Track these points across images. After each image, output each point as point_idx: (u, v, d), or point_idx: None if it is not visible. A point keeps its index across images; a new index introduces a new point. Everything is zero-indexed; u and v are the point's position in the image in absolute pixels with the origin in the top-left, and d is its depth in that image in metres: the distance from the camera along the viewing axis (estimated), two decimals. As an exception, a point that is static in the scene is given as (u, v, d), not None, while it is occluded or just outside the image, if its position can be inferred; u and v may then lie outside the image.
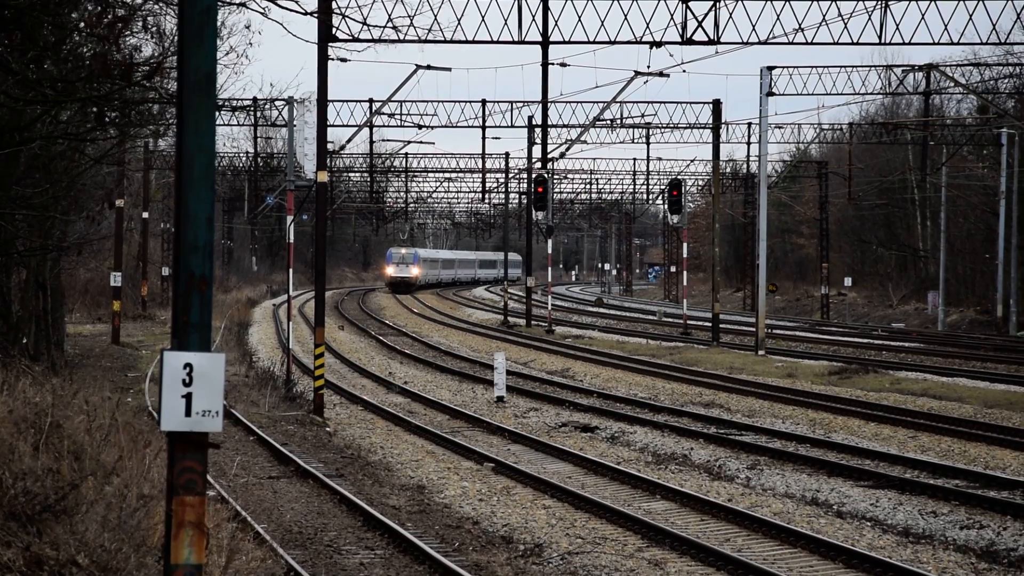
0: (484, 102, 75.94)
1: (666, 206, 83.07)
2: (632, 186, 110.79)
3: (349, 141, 68.24)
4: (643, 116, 78.50)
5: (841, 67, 63.46)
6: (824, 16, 45.60)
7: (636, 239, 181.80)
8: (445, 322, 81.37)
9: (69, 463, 15.04)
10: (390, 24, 40.94)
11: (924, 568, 18.34)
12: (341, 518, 22.07)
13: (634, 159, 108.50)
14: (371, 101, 73.93)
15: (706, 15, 45.40)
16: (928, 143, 78.55)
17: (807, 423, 33.92)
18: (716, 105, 65.48)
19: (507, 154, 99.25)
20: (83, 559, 11.74)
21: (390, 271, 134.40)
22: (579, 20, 47.43)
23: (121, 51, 24.40)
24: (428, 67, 50.12)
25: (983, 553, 19.70)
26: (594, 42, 47.11)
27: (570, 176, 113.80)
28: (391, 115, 74.35)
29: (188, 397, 9.01)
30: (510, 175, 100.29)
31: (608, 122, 77.91)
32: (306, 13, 23.69)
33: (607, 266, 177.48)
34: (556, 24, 47.32)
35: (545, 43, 48.32)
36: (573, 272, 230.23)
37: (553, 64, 54.99)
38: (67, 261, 50.31)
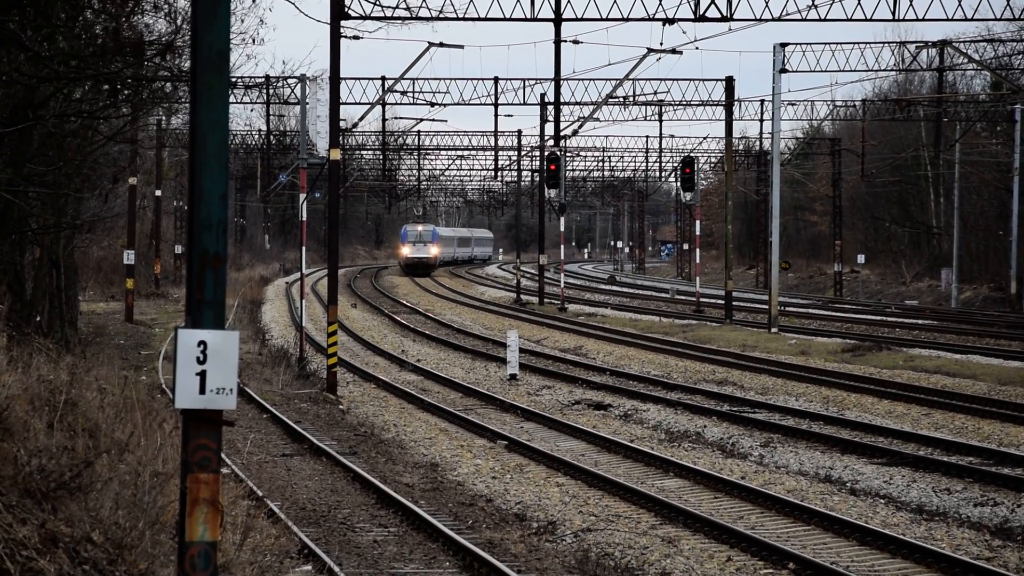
0: (496, 80, 75.83)
1: (679, 184, 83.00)
2: (645, 164, 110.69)
3: (362, 119, 68.32)
4: (656, 93, 78.34)
5: (854, 44, 63.26)
6: (838, -8, 45.44)
7: (649, 217, 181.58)
8: (458, 300, 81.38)
9: (84, 441, 15.06)
10: (402, 2, 40.86)
11: (938, 545, 18.32)
12: (355, 496, 22.10)
13: (647, 136, 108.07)
14: (383, 79, 73.88)
15: (719, -8, 45.25)
16: (941, 120, 78.30)
17: (820, 400, 33.90)
18: (729, 82, 65.34)
19: (519, 132, 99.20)
20: (98, 536, 11.76)
21: (405, 251, 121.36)
22: (592, -3, 47.30)
23: (133, 28, 24.40)
24: (440, 44, 50.06)
25: (997, 530, 19.68)
26: (607, 19, 47.01)
27: (583, 154, 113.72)
28: (403, 93, 74.30)
29: (202, 375, 9.01)
30: (522, 153, 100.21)
31: (621, 99, 77.77)
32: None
33: (619, 244, 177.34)
34: (568, 1, 47.15)
35: (558, 20, 48.20)
36: (586, 250, 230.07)
37: (566, 41, 54.93)
38: (80, 239, 50.35)
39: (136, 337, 51.53)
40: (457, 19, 44.73)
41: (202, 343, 9.00)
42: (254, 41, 42.05)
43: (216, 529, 9.05)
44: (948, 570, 16.98)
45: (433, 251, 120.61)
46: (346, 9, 36.50)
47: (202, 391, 9.02)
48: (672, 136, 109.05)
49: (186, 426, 9.08)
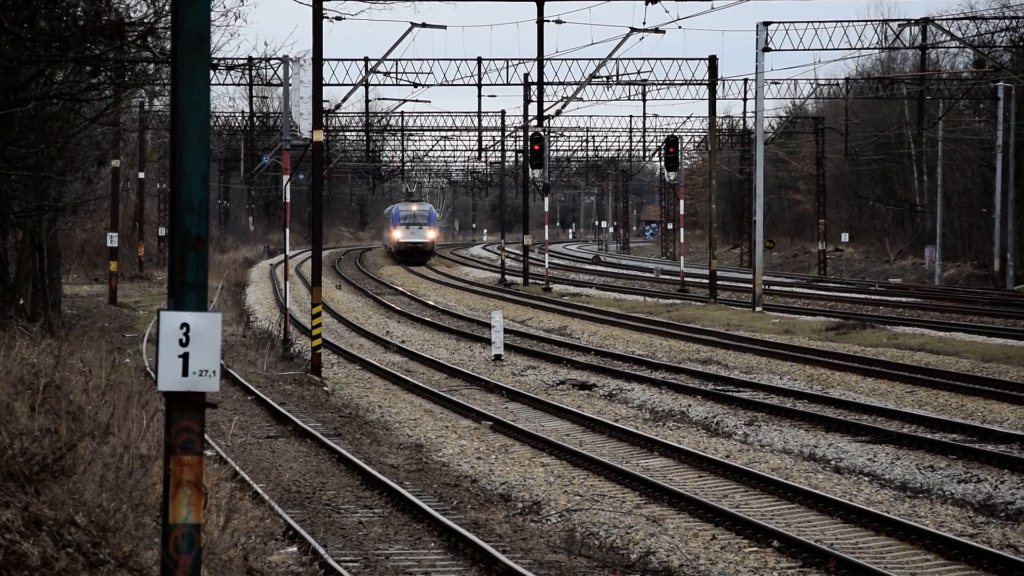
0: (480, 60, 75.72)
1: (663, 163, 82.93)
2: (629, 143, 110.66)
3: (345, 100, 68.24)
4: (639, 73, 78.29)
5: (837, 22, 63.26)
6: (820, -29, 45.43)
7: (633, 197, 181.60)
8: (442, 281, 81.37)
9: (67, 423, 15.04)
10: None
11: (922, 522, 18.38)
12: (339, 477, 22.11)
13: (630, 116, 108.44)
14: (366, 60, 73.72)
15: (702, -29, 45.26)
16: (925, 98, 78.32)
17: (805, 379, 33.96)
18: (712, 61, 65.31)
19: (503, 112, 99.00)
20: (81, 519, 11.76)
21: (397, 235, 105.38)
22: (574, -24, 47.29)
23: (114, 10, 24.32)
24: (423, 25, 50.00)
25: (981, 507, 19.74)
26: (589, -1, 46.95)
27: (567, 134, 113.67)
28: (387, 74, 74.13)
29: (185, 357, 9.01)
30: (506, 133, 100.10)
31: (604, 79, 77.70)
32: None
33: (604, 224, 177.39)
34: (551, -19, 47.13)
35: (540, 0, 48.12)
36: (570, 230, 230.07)
37: (549, 21, 54.91)
38: (63, 222, 50.23)
39: (120, 320, 51.46)
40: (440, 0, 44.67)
41: (185, 325, 8.99)
42: (236, 17, 41.89)
43: (200, 511, 9.05)
44: (932, 547, 17.03)
45: (430, 235, 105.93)
46: (328, -10, 36.39)
47: (185, 373, 9.01)
48: (656, 116, 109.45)
49: (169, 408, 9.07)
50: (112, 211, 61.82)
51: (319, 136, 36.12)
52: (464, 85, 75.09)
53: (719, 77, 65.55)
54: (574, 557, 16.91)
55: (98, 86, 30.94)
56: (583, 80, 74.33)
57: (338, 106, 71.97)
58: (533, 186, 77.91)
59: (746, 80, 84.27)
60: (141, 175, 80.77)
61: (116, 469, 13.46)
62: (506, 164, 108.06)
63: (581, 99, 77.54)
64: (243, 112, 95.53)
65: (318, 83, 36.28)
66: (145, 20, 26.31)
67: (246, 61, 70.85)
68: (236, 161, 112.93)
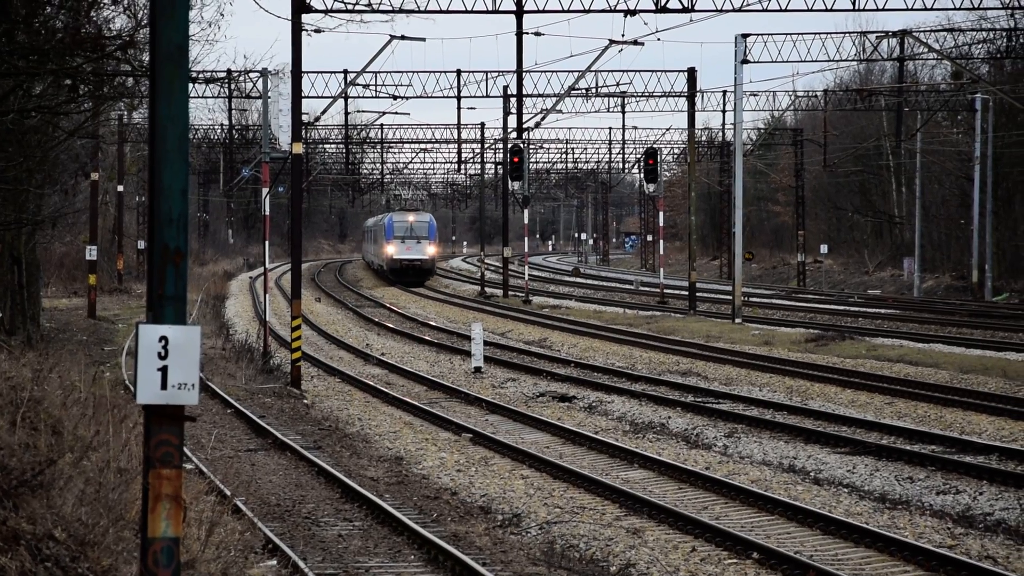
0: (459, 72, 75.72)
1: (642, 175, 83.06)
2: (608, 155, 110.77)
3: (324, 112, 67.98)
4: (618, 85, 78.35)
5: (815, 34, 63.34)
6: (798, -17, 45.53)
7: (612, 208, 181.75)
8: (422, 293, 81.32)
9: (46, 438, 15.00)
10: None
11: (901, 533, 18.41)
12: (319, 490, 22.08)
13: (610, 128, 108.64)
14: (346, 72, 73.68)
15: (680, -17, 45.31)
16: (903, 109, 78.58)
17: (784, 391, 34.00)
18: (691, 73, 65.41)
19: (482, 124, 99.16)
20: (60, 533, 11.73)
21: (392, 251, 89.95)
22: (553, -11, 47.29)
23: (93, 23, 24.30)
24: (403, 37, 49.97)
25: (959, 518, 19.78)
26: (568, 11, 47.02)
27: (546, 146, 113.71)
28: (366, 86, 74.03)
29: (164, 370, 8.98)
30: (486, 145, 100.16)
31: (583, 91, 77.76)
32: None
33: (584, 236, 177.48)
34: (530, -7, 47.13)
35: (519, 12, 48.19)
36: (550, 242, 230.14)
37: (528, 33, 54.89)
38: (42, 235, 50.14)
39: (99, 333, 51.34)
40: (419, 12, 44.72)
41: (163, 339, 8.97)
42: (211, 25, 41.84)
43: (179, 525, 9.03)
44: (911, 558, 17.06)
45: (431, 250, 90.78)
46: (307, 3, 36.41)
47: (164, 387, 8.99)
48: (635, 127, 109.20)
49: (148, 422, 9.05)
50: (91, 224, 61.69)
51: (298, 148, 36.09)
52: (443, 97, 75.03)
53: (698, 89, 65.67)
54: (554, 569, 16.91)
55: (77, 99, 30.87)
56: (562, 92, 74.35)
57: (317, 118, 71.79)
58: (513, 198, 77.92)
59: (725, 92, 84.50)
60: (120, 188, 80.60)
61: (96, 483, 13.44)
62: (486, 176, 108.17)
63: (561, 111, 77.56)
64: (222, 125, 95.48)
65: (297, 95, 36.27)
66: (124, 33, 26.27)
67: (225, 74, 70.78)
68: (215, 174, 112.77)
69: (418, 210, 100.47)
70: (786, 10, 45.43)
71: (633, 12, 45.26)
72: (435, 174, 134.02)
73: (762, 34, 61.04)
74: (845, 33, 64.45)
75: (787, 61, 62.78)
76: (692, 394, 33.52)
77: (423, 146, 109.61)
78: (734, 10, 45.51)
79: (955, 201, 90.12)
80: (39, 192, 39.16)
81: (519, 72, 63.09)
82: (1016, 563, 17.24)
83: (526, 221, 75.37)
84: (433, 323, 57.72)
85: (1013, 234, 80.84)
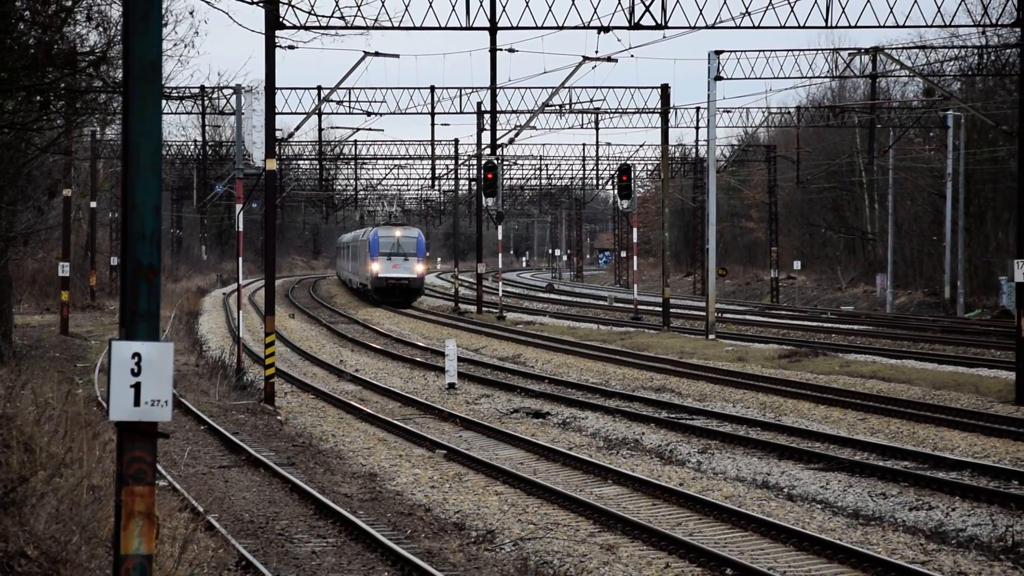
0: (433, 88, 75.77)
1: (616, 191, 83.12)
2: (582, 171, 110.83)
3: (298, 128, 67.84)
4: (592, 101, 78.53)
5: (788, 51, 63.56)
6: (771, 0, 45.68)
7: (586, 224, 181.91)
8: (396, 309, 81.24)
9: (19, 455, 14.95)
10: (337, 12, 40.77)
11: (874, 549, 18.45)
12: (293, 507, 22.04)
13: (583, 144, 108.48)
14: (319, 88, 73.63)
15: (653, 0, 45.42)
16: (875, 126, 78.93)
17: (757, 407, 34.05)
18: (664, 90, 65.55)
19: (456, 140, 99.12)
20: (32, 551, 11.68)
21: (377, 268, 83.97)
22: (527, 5, 47.34)
23: (66, 39, 24.24)
24: (376, 54, 49.94)
25: (932, 534, 19.83)
26: (542, 27, 47.07)
27: (520, 162, 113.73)
28: (339, 102, 74.05)
29: (137, 387, 8.96)
30: (460, 161, 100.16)
31: (557, 107, 77.91)
32: (252, 2, 23.53)
33: (557, 252, 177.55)
34: (504, 10, 47.15)
35: (493, 29, 48.24)
36: (524, 258, 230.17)
37: (501, 50, 54.91)
38: (14, 251, 49.93)
39: (72, 350, 51.18)
40: (393, 28, 44.66)
41: (136, 355, 8.95)
42: (187, 46, 41.73)
43: (151, 542, 9.00)
44: (884, 574, 17.10)
45: (419, 268, 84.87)
46: (281, 19, 36.39)
47: (137, 403, 8.96)
48: (609, 144, 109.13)
49: (121, 439, 9.03)
50: (64, 241, 61.53)
51: (272, 165, 36.06)
52: (417, 113, 75.10)
53: (671, 105, 65.80)
54: (528, 586, 16.89)
55: (50, 115, 30.80)
56: (536, 108, 74.45)
57: (291, 135, 71.71)
58: (487, 214, 77.94)
59: (698, 108, 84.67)
60: (93, 204, 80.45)
61: (69, 500, 13.39)
62: (460, 192, 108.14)
63: (534, 127, 77.74)
64: (196, 141, 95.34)
65: (271, 112, 36.25)
66: (97, 49, 26.22)
67: (199, 90, 70.70)
68: (189, 190, 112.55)
69: (405, 224, 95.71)
70: (759, 27, 45.54)
71: (607, 29, 45.34)
72: (409, 190, 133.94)
73: (735, 51, 61.30)
74: (818, 50, 64.70)
75: (760, 78, 63.00)
76: (666, 410, 33.55)
77: (397, 162, 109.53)
78: (707, 27, 45.61)
79: (927, 218, 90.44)
80: (11, 209, 39.03)
81: (493, 88, 63.15)
82: (989, 578, 17.28)
83: (500, 237, 75.39)
84: (407, 339, 57.68)
85: (985, 251, 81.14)
